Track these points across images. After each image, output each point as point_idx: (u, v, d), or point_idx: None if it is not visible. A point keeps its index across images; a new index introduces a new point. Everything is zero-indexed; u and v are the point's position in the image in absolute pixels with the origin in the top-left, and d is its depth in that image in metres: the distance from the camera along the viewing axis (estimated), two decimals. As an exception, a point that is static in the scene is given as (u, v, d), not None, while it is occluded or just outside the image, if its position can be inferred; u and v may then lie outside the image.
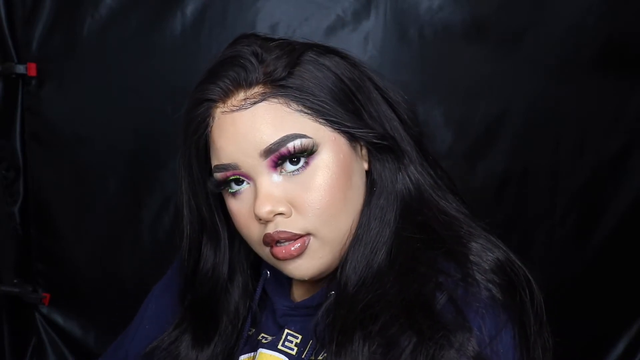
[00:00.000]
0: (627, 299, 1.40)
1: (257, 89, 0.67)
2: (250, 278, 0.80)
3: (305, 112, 0.67)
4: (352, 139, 0.70)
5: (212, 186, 0.71)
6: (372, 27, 1.29)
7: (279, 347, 0.72)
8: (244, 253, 0.79)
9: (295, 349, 0.72)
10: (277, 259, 0.68)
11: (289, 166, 0.67)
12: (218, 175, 0.69)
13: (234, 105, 0.68)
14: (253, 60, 0.68)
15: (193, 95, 0.72)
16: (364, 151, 0.72)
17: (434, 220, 0.70)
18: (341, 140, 0.69)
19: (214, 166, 0.70)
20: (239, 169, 0.68)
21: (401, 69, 1.30)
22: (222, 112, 0.69)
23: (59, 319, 1.46)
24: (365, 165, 0.72)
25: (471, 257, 0.67)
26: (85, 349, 1.45)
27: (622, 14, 1.29)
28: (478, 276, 0.65)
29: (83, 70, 1.34)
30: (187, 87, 1.38)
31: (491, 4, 1.29)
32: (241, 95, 0.68)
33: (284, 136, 0.66)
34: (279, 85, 0.67)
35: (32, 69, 1.33)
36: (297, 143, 0.66)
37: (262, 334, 0.76)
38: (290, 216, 0.67)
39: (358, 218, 0.70)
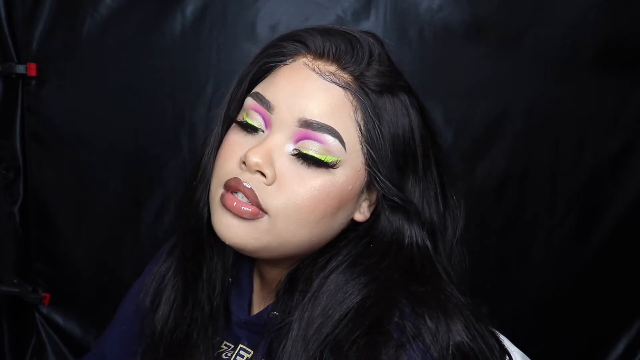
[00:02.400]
0: (627, 299, 1.40)
1: (346, 76, 0.66)
2: (234, 258, 0.77)
3: (360, 129, 0.66)
4: (370, 185, 0.68)
5: (234, 106, 0.69)
6: (372, 27, 1.29)
7: None
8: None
9: None
10: (222, 204, 0.65)
11: (301, 157, 0.64)
12: (250, 102, 0.67)
13: (318, 68, 0.66)
14: (365, 55, 0.67)
15: (294, 31, 0.70)
16: (365, 204, 0.69)
17: (416, 295, 0.65)
18: (361, 177, 0.67)
19: (255, 92, 0.68)
20: (271, 113, 0.66)
21: (401, 69, 1.30)
22: (305, 63, 0.67)
23: (59, 319, 1.46)
24: (359, 217, 0.70)
25: (430, 326, 0.62)
26: (85, 349, 1.45)
27: (622, 14, 1.29)
28: (437, 355, 0.61)
29: (83, 70, 1.34)
30: (187, 87, 1.40)
31: (491, 4, 1.29)
32: (332, 67, 0.67)
33: (330, 126, 0.64)
34: (363, 90, 0.66)
35: (32, 69, 1.33)
36: (332, 141, 0.64)
37: (225, 342, 0.75)
38: (268, 185, 0.64)
39: (312, 246, 0.67)
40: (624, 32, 1.30)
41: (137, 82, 1.34)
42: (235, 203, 0.64)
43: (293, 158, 0.65)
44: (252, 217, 0.64)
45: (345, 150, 0.65)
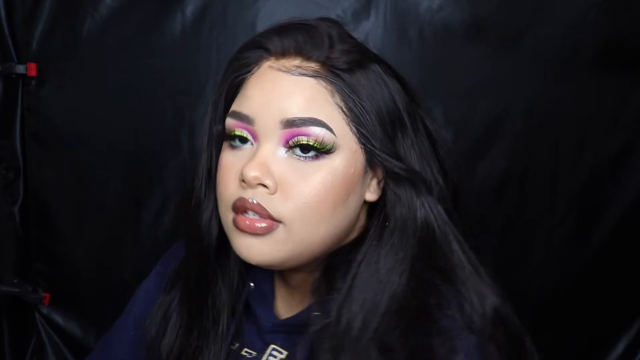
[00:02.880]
0: (627, 299, 1.40)
1: (313, 65, 0.66)
2: (239, 278, 0.76)
3: (343, 111, 0.65)
4: (371, 162, 0.67)
5: (218, 130, 0.69)
6: (372, 27, 1.29)
7: None
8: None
9: None
10: (237, 227, 0.64)
11: (298, 150, 0.64)
12: (230, 121, 0.67)
13: (284, 66, 0.66)
14: (325, 39, 0.67)
15: (252, 39, 0.70)
16: (374, 182, 0.69)
17: (443, 268, 0.67)
18: (359, 157, 0.66)
19: (232, 111, 0.67)
20: (253, 126, 0.65)
21: (401, 69, 1.28)
22: (269, 67, 0.67)
23: (59, 319, 1.46)
24: (370, 197, 0.69)
25: (465, 303, 0.65)
26: (85, 349, 1.45)
27: (622, 14, 1.29)
28: (480, 325, 0.63)
29: (83, 70, 1.34)
30: (187, 87, 1.40)
31: (491, 4, 1.28)
32: (296, 61, 0.66)
33: (312, 117, 0.64)
34: (334, 73, 0.66)
35: (32, 69, 1.33)
36: (320, 131, 0.64)
37: (246, 349, 0.74)
38: (273, 194, 0.63)
39: (336, 239, 0.67)
40: (624, 32, 1.30)
41: (137, 82, 1.34)
42: (247, 222, 0.64)
43: (288, 160, 0.64)
44: (268, 231, 0.64)
45: (335, 135, 0.64)
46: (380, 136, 0.66)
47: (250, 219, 0.64)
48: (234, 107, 0.67)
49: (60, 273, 1.44)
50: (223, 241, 0.71)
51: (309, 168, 0.64)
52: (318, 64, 0.66)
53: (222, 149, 0.69)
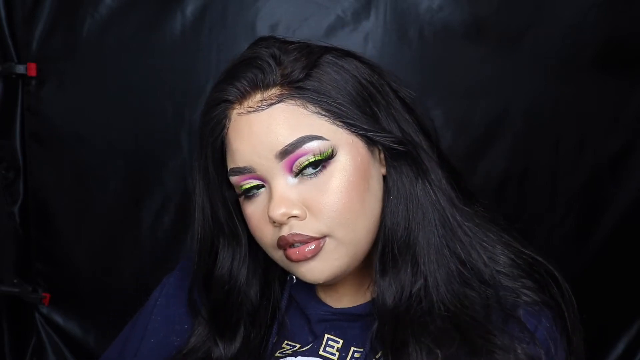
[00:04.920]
0: (627, 299, 1.40)
1: (274, 91, 0.67)
2: (277, 282, 0.79)
3: (323, 114, 0.67)
4: (370, 142, 0.69)
5: (230, 192, 0.71)
6: (372, 27, 1.29)
7: (320, 352, 0.72)
8: (266, 258, 0.77)
9: (337, 354, 0.71)
10: (291, 260, 0.67)
11: (308, 170, 0.66)
12: (233, 178, 0.69)
13: (250, 107, 0.67)
14: (271, 61, 0.68)
15: (210, 97, 0.71)
16: (382, 155, 0.71)
17: (457, 231, 0.70)
18: (358, 144, 0.68)
19: (230, 169, 0.69)
20: (255, 172, 0.67)
21: (401, 69, 1.30)
22: (238, 114, 0.68)
23: (59, 319, 1.46)
24: (384, 170, 0.71)
25: (501, 269, 0.68)
26: (85, 349, 1.45)
27: (622, 14, 1.29)
28: (512, 284, 0.66)
29: (83, 70, 1.34)
30: (187, 87, 1.40)
31: (491, 4, 1.28)
32: (258, 96, 0.67)
33: (300, 137, 0.65)
34: (296, 87, 0.67)
35: (32, 69, 1.33)
36: (314, 145, 0.65)
37: (287, 342, 0.75)
38: (304, 219, 0.66)
39: (377, 223, 0.69)
40: (624, 32, 1.30)
41: (137, 82, 1.34)
42: (297, 252, 0.66)
43: (301, 183, 0.66)
44: (318, 250, 0.66)
45: (327, 139, 0.66)
46: (363, 119, 0.68)
47: (299, 249, 0.66)
48: (230, 164, 0.69)
49: (60, 273, 1.44)
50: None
51: (322, 180, 0.66)
52: (277, 87, 0.67)
53: (241, 201, 0.71)
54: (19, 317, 1.46)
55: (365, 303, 0.73)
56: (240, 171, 0.68)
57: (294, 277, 0.77)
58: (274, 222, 0.66)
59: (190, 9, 1.31)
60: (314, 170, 0.66)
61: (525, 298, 0.66)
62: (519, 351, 0.61)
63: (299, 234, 0.66)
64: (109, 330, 1.34)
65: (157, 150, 1.37)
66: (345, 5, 1.29)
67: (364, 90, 0.69)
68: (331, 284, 0.74)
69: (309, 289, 0.77)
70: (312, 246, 0.66)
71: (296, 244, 0.66)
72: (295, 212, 0.65)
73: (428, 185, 0.70)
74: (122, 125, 1.36)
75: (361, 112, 0.68)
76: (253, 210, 0.69)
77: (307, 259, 0.66)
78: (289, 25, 1.30)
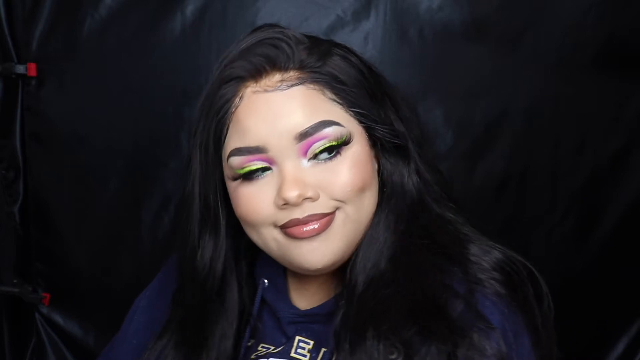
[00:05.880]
0: (627, 299, 1.40)
1: (293, 73, 0.67)
2: (247, 285, 0.77)
3: (338, 102, 0.67)
4: (371, 136, 0.70)
5: (232, 171, 0.68)
6: (372, 27, 1.29)
7: (292, 354, 0.71)
8: (239, 257, 0.76)
9: (308, 355, 0.71)
10: (294, 237, 0.66)
11: (324, 155, 0.66)
12: (237, 159, 0.67)
13: (268, 86, 0.67)
14: (291, 43, 0.68)
15: (220, 74, 0.70)
16: (374, 152, 0.72)
17: (433, 224, 0.70)
18: (364, 135, 0.70)
19: (235, 149, 0.67)
20: (266, 153, 0.66)
21: (401, 69, 1.30)
22: (254, 92, 0.67)
23: (59, 319, 1.46)
24: (376, 166, 0.72)
25: (471, 257, 0.68)
26: (85, 349, 1.45)
27: (622, 13, 1.29)
28: (480, 275, 0.66)
29: (83, 70, 1.34)
30: (187, 87, 1.40)
31: (491, 4, 1.28)
32: (277, 76, 0.67)
33: (320, 121, 0.66)
34: (314, 72, 0.67)
35: (32, 69, 1.33)
36: (332, 130, 0.66)
37: (262, 344, 0.74)
38: (317, 200, 0.66)
39: (374, 211, 0.70)
40: (624, 31, 1.30)
41: (137, 82, 1.34)
42: (305, 228, 0.65)
43: (314, 166, 0.66)
44: (329, 223, 0.66)
45: (343, 126, 0.67)
46: (373, 110, 0.70)
47: (307, 225, 0.65)
48: (236, 144, 0.67)
49: (60, 273, 1.44)
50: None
51: (335, 164, 0.66)
52: (296, 71, 0.67)
53: (233, 186, 0.69)
54: (19, 317, 1.46)
55: (330, 300, 0.72)
56: (248, 151, 0.66)
57: (265, 280, 0.76)
58: (285, 204, 0.65)
59: (190, 9, 1.31)
60: (329, 155, 0.66)
61: (489, 289, 0.66)
62: (474, 338, 0.61)
63: (314, 214, 0.65)
64: (108, 330, 1.34)
65: (157, 150, 1.37)
66: (345, 5, 1.29)
67: (369, 84, 0.70)
68: (304, 283, 0.75)
69: (279, 290, 0.76)
70: (323, 221, 0.65)
71: (309, 224, 0.65)
72: (309, 193, 0.65)
73: (412, 180, 0.71)
74: (122, 125, 1.36)
75: (373, 103, 0.70)
76: (252, 191, 0.67)
77: (311, 237, 0.65)
78: (289, 25, 1.26)
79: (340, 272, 0.71)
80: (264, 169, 0.67)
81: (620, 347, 1.42)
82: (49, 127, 1.37)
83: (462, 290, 0.65)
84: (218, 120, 0.69)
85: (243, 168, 0.67)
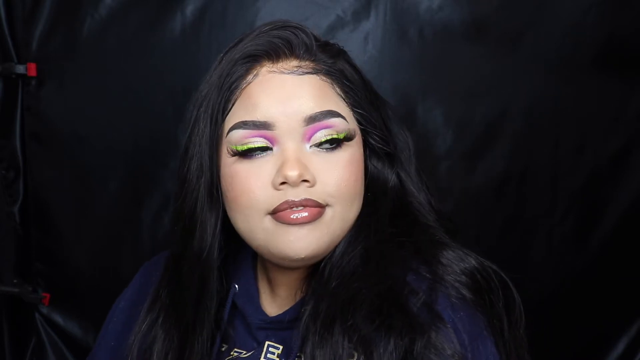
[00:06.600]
0: (627, 299, 1.40)
1: (309, 63, 0.70)
2: (221, 288, 0.76)
3: (345, 100, 0.70)
4: (364, 140, 0.73)
5: (230, 147, 0.68)
6: (372, 27, 1.29)
7: (262, 359, 0.72)
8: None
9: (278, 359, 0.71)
10: (284, 222, 0.66)
11: (326, 145, 0.68)
12: (241, 133, 0.67)
13: (285, 68, 0.69)
14: (310, 35, 0.71)
15: (240, 50, 0.70)
16: (363, 157, 0.74)
17: (412, 228, 0.72)
18: (360, 138, 0.72)
19: (241, 121, 0.68)
20: (272, 129, 0.67)
21: (401, 69, 1.30)
22: (270, 72, 0.69)
23: (59, 319, 1.46)
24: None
25: (442, 260, 0.69)
26: (85, 349, 1.45)
27: (622, 13, 1.29)
28: (447, 277, 0.67)
29: (83, 70, 1.34)
30: (187, 87, 1.40)
31: (491, 4, 1.29)
32: (294, 62, 0.70)
33: (329, 110, 0.68)
34: (328, 67, 0.70)
35: (32, 69, 1.33)
36: (339, 122, 0.68)
37: (235, 349, 0.74)
38: (313, 186, 0.67)
39: (358, 213, 0.72)
40: (624, 31, 1.30)
41: (137, 82, 1.34)
42: (296, 215, 0.66)
43: (315, 153, 0.68)
44: (319, 215, 0.67)
45: (347, 122, 0.69)
46: (374, 116, 0.72)
47: (300, 211, 0.66)
48: (242, 117, 0.68)
49: (60, 273, 1.44)
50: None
51: (335, 156, 0.68)
52: (312, 62, 0.70)
53: (228, 163, 0.69)
54: (19, 317, 1.46)
55: (295, 305, 0.72)
56: (255, 125, 0.67)
57: (236, 285, 0.76)
58: (283, 183, 0.66)
59: (190, 9, 1.31)
60: (331, 147, 0.68)
61: (452, 290, 0.66)
62: (432, 336, 0.61)
63: (310, 199, 0.66)
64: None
65: (157, 150, 1.37)
66: (345, 5, 1.29)
67: (369, 92, 0.74)
68: (274, 287, 0.75)
69: (250, 295, 0.76)
70: (314, 211, 0.66)
71: (298, 208, 0.66)
72: (308, 176, 0.66)
73: (396, 185, 0.74)
74: (122, 125, 1.36)
75: (373, 107, 0.73)
76: (249, 169, 0.67)
77: (302, 223, 0.66)
78: (289, 25, 1.29)
79: (310, 277, 0.72)
80: (264, 149, 0.67)
81: (620, 347, 1.42)
82: (49, 127, 1.37)
83: (424, 287, 0.65)
84: (230, 93, 0.70)
85: (243, 144, 0.67)
